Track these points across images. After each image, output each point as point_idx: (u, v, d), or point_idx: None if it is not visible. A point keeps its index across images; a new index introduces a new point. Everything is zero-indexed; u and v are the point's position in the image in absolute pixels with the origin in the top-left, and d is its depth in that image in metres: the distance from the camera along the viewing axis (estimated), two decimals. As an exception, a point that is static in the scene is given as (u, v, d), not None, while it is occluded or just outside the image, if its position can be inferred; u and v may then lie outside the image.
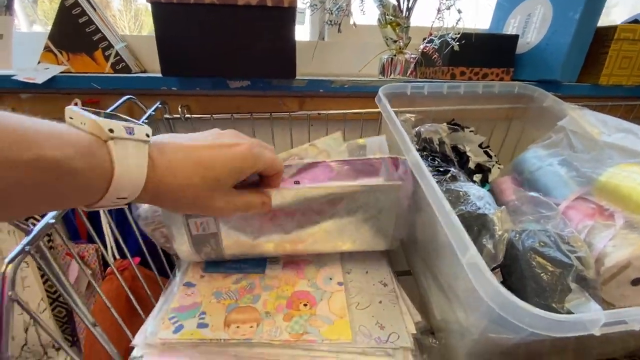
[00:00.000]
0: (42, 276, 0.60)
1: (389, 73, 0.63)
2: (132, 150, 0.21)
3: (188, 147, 0.25)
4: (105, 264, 0.61)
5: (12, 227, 0.58)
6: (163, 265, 0.48)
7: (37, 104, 0.57)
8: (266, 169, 0.30)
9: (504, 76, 0.64)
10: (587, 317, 0.23)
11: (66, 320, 0.66)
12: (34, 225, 0.26)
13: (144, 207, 0.37)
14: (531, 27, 0.63)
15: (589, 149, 0.43)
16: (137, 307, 0.38)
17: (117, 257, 0.57)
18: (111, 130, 0.20)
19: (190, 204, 0.26)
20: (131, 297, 0.38)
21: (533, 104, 0.57)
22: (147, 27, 0.83)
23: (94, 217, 0.58)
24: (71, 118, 0.21)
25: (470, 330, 0.31)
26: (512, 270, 0.33)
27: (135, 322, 0.35)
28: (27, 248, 0.23)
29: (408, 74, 0.63)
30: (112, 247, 0.56)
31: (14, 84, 0.52)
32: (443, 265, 0.36)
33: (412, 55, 0.62)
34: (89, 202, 0.21)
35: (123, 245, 0.42)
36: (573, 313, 0.29)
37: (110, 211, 0.58)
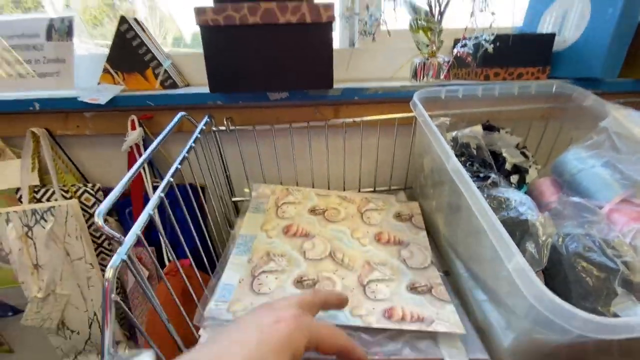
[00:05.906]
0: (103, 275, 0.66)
1: (421, 77, 0.64)
2: None
3: None
4: (161, 265, 0.67)
5: (80, 232, 0.65)
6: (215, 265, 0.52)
7: (99, 121, 0.63)
8: (319, 345, 0.27)
9: (540, 75, 0.63)
10: (636, 320, 0.24)
11: (123, 317, 0.74)
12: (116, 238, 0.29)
13: None
14: (568, 24, 0.62)
15: (634, 151, 0.43)
16: (196, 299, 0.41)
17: (172, 259, 0.62)
18: None
19: None
20: (191, 290, 0.42)
21: (572, 104, 0.56)
22: (171, 32, 0.88)
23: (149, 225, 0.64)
24: None
25: (514, 330, 0.33)
26: (555, 273, 0.34)
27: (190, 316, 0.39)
28: (124, 257, 0.27)
29: (442, 77, 0.64)
30: (167, 251, 0.61)
31: (79, 104, 0.58)
32: (485, 267, 0.37)
33: (445, 59, 0.63)
34: None
35: (170, 250, 0.46)
36: (619, 316, 0.30)
37: (163, 215, 0.63)
